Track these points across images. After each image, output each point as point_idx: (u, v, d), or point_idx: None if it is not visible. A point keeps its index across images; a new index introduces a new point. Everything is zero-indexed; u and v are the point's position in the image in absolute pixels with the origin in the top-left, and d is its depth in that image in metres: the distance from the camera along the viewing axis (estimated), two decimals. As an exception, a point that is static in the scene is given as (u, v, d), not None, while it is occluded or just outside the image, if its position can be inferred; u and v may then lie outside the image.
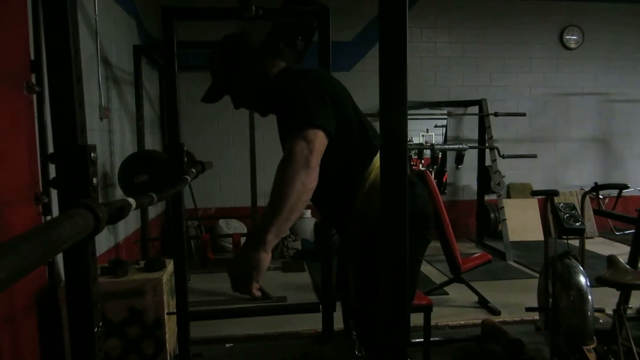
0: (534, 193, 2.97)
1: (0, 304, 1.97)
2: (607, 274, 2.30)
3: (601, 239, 6.17)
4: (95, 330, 0.90)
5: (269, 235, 1.26)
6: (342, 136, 1.55)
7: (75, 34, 0.87)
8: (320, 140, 1.38)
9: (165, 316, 2.40)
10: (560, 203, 2.74)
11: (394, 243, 0.90)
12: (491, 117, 5.69)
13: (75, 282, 0.87)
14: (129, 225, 3.92)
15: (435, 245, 4.55)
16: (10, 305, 2.05)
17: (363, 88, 5.98)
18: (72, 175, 0.84)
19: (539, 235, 5.90)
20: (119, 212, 0.86)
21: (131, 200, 0.95)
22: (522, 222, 6.05)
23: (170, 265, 2.57)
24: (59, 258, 2.37)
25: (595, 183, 3.12)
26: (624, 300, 2.23)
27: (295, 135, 1.37)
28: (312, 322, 3.19)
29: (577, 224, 2.62)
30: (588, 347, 2.45)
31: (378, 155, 1.56)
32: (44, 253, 0.58)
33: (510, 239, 5.37)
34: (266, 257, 1.26)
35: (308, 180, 1.31)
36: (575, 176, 6.46)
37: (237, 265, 1.27)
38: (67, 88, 0.85)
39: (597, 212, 3.09)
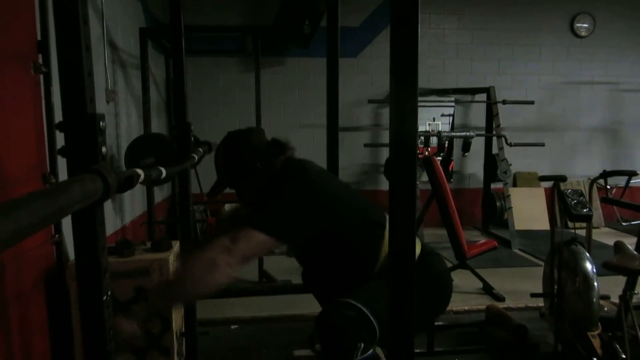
0: (542, 178, 2.96)
1: (10, 282, 1.99)
2: (614, 259, 2.29)
3: (607, 229, 6.15)
4: (105, 298, 0.90)
5: (154, 302, 1.52)
6: (338, 227, 1.63)
7: (83, 3, 0.87)
8: (253, 242, 1.45)
9: (172, 296, 2.41)
10: (568, 189, 2.73)
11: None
12: (499, 105, 5.66)
13: (85, 250, 0.87)
14: (135, 208, 3.94)
15: (441, 232, 4.57)
16: (19, 283, 2.07)
17: (370, 74, 5.96)
18: (82, 143, 0.84)
19: (544, 225, 5.88)
20: (128, 181, 0.86)
21: (140, 171, 0.95)
22: (528, 210, 6.03)
23: (176, 247, 2.58)
24: (67, 236, 2.39)
25: (604, 170, 3.10)
26: (630, 286, 2.22)
27: (246, 228, 1.48)
28: (316, 305, 3.20)
29: (585, 210, 2.61)
30: (592, 333, 2.45)
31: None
32: (54, 212, 0.58)
33: (516, 228, 5.36)
34: (128, 325, 1.48)
35: (206, 279, 1.40)
36: (583, 166, 6.42)
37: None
38: (77, 56, 0.85)
39: (605, 199, 3.07)
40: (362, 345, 1.49)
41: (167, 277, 1.46)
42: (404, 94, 0.89)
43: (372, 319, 1.50)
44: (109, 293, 0.93)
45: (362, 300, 1.53)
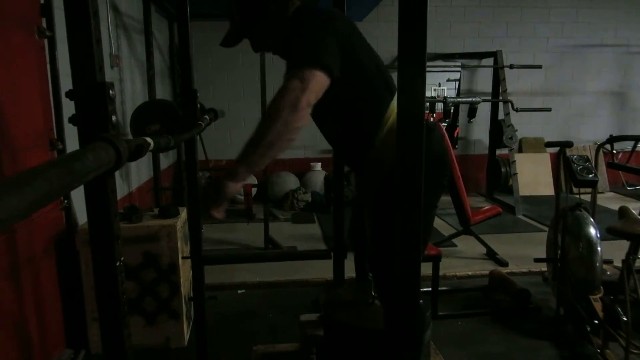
0: (548, 144, 2.95)
1: (22, 247, 2.03)
2: (618, 224, 2.30)
3: (612, 193, 6.15)
4: (118, 264, 0.92)
5: (241, 168, 1.34)
6: (355, 78, 1.53)
7: (89, -32, 0.85)
8: (317, 80, 1.35)
9: (180, 261, 2.46)
10: (573, 155, 2.72)
11: (409, 188, 0.90)
12: (506, 69, 5.57)
13: (97, 218, 0.89)
14: (141, 175, 3.96)
15: (445, 198, 4.57)
16: (30, 248, 2.10)
17: (376, 38, 5.84)
18: (92, 111, 0.84)
19: (549, 190, 5.89)
20: (138, 150, 0.86)
21: (149, 140, 0.96)
22: (533, 176, 6.03)
23: (183, 213, 2.61)
24: (75, 202, 2.42)
25: (610, 135, 3.08)
26: (633, 250, 2.24)
27: (292, 73, 1.36)
28: (321, 271, 3.26)
29: (590, 175, 2.61)
30: (594, 297, 2.50)
31: (395, 100, 1.56)
32: (69, 181, 0.59)
33: (521, 194, 5.37)
34: (233, 187, 1.33)
35: (292, 120, 1.31)
36: (589, 130, 6.37)
37: (208, 190, 1.36)
38: (85, 23, 0.84)
39: (611, 165, 3.06)
40: None
41: (251, 139, 1.35)
42: (412, 59, 0.88)
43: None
44: (122, 259, 0.94)
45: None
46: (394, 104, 1.59)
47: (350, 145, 1.73)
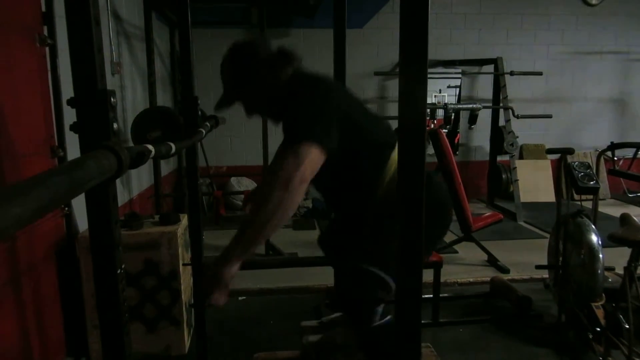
0: (549, 151, 2.95)
1: (22, 254, 2.03)
2: (619, 231, 2.29)
3: (613, 200, 6.15)
4: (119, 272, 0.92)
5: (236, 252, 1.33)
6: (353, 143, 1.55)
7: (91, -24, 0.86)
8: (312, 156, 1.37)
9: (181, 268, 2.46)
10: (575, 162, 2.72)
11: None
12: (506, 76, 5.58)
13: (98, 225, 0.89)
14: (142, 181, 3.97)
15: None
16: (31, 255, 2.10)
17: (376, 46, 5.89)
18: (93, 119, 0.84)
19: (550, 197, 5.89)
20: (139, 157, 0.87)
21: (150, 147, 0.96)
22: (534, 183, 6.03)
23: (184, 220, 2.61)
24: (76, 209, 2.42)
25: (612, 142, 3.08)
26: (635, 257, 2.23)
27: (288, 148, 1.38)
28: (321, 278, 3.25)
29: (592, 182, 2.61)
30: (596, 304, 2.49)
31: (396, 151, 1.59)
32: (71, 189, 0.59)
33: (522, 200, 5.36)
34: (228, 273, 1.32)
35: (286, 200, 1.32)
36: (590, 137, 6.37)
37: (207, 279, 1.35)
38: (86, 31, 0.84)
39: (612, 171, 3.06)
40: (381, 307, 1.53)
41: (246, 220, 1.35)
42: (414, 65, 0.88)
43: (385, 278, 1.53)
44: (123, 266, 0.94)
45: (372, 260, 1.54)
46: (395, 154, 1.61)
47: (348, 204, 1.74)
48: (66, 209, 2.38)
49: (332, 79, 1.71)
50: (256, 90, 1.67)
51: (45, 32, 2.26)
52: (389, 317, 1.58)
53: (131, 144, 3.42)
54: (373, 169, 1.62)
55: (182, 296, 2.49)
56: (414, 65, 0.88)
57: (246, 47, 1.67)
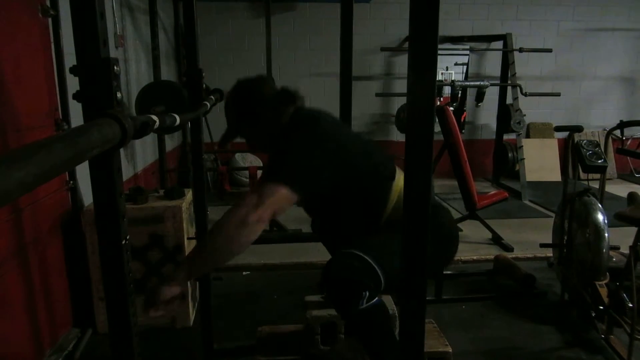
0: (558, 129, 2.91)
1: (28, 228, 2.04)
2: (626, 210, 2.28)
3: (620, 180, 6.11)
4: (123, 242, 0.92)
5: (181, 273, 1.37)
6: (351, 182, 1.64)
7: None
8: (277, 197, 1.42)
9: (186, 242, 2.47)
10: (583, 140, 2.69)
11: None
12: (515, 53, 5.49)
13: (103, 195, 0.88)
14: (146, 156, 3.96)
15: (451, 182, 4.56)
16: (37, 228, 2.11)
17: (383, 20, 5.80)
18: (96, 87, 0.83)
19: (556, 176, 5.85)
20: (143, 127, 0.85)
21: (155, 117, 0.95)
22: (541, 162, 5.99)
23: (189, 194, 2.61)
24: (81, 183, 2.42)
25: (621, 120, 3.03)
26: (641, 237, 2.22)
27: (261, 185, 1.44)
28: (325, 253, 3.25)
29: (600, 161, 2.58)
30: (600, 283, 2.48)
31: (399, 180, 1.68)
32: (74, 156, 0.58)
33: (527, 179, 5.33)
34: (169, 290, 1.35)
35: (238, 235, 1.37)
36: (599, 116, 6.29)
37: (151, 290, 1.37)
38: (88, -3, 0.82)
39: (620, 150, 3.01)
40: (367, 293, 1.52)
41: (198, 245, 1.42)
42: (424, 41, 0.87)
43: (377, 268, 1.53)
44: (127, 237, 0.94)
45: (366, 251, 1.55)
46: (398, 183, 1.68)
47: (349, 237, 1.74)
48: (71, 182, 2.38)
49: (331, 118, 1.75)
50: (258, 129, 1.74)
51: (48, 3, 2.23)
52: (377, 299, 1.56)
53: (136, 118, 3.40)
54: (374, 203, 1.69)
55: (187, 270, 2.50)
56: (424, 35, 0.86)
57: (250, 87, 1.74)
